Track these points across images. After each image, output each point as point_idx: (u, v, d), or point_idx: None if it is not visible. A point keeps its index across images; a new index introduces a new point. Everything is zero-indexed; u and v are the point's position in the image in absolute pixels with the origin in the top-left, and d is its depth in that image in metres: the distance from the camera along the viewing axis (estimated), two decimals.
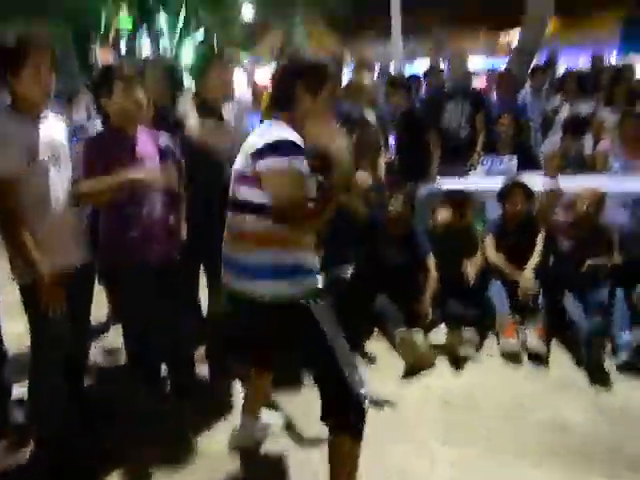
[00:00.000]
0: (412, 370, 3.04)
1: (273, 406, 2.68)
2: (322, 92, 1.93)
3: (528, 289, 3.41)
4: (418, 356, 3.09)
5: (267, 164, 1.82)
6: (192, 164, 2.67)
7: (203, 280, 3.02)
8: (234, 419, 2.64)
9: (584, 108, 5.06)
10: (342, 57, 4.87)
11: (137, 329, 2.65)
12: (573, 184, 3.95)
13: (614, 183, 3.88)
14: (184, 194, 2.68)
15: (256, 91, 5.20)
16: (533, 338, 3.16)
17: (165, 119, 2.87)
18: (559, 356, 3.16)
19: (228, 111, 2.88)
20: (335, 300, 2.96)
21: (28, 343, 2.24)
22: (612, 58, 9.71)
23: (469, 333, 3.21)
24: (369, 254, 3.54)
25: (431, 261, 3.56)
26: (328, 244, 3.01)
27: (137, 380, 2.74)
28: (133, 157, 2.41)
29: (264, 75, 10.56)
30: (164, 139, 2.64)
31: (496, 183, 4.11)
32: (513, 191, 3.64)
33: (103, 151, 2.37)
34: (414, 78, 6.17)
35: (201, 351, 3.02)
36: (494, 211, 3.93)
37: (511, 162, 4.47)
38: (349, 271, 3.42)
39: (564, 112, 5.15)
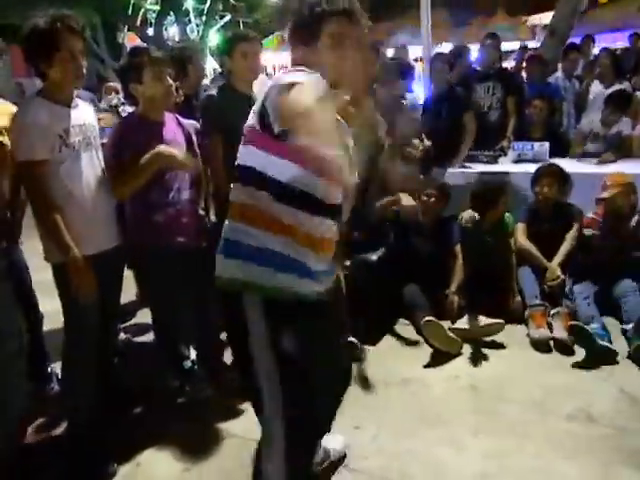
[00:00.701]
0: (439, 357, 3.02)
1: None
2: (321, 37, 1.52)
3: (552, 279, 3.34)
4: (445, 341, 3.07)
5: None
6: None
7: None
8: None
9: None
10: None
11: (165, 313, 2.69)
12: (608, 169, 3.85)
13: None
14: (210, 178, 2.68)
15: None
16: (560, 328, 3.10)
17: (191, 105, 2.86)
18: None
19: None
20: (361, 284, 2.95)
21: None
22: None
23: (498, 321, 3.16)
24: (399, 241, 3.51)
25: (458, 249, 3.52)
26: (358, 230, 2.99)
27: (165, 362, 2.78)
28: (161, 143, 2.40)
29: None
30: (190, 125, 2.64)
31: (526, 169, 4.04)
32: (546, 176, 3.54)
33: (131, 137, 2.38)
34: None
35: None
36: (525, 197, 3.85)
37: (542, 147, 4.35)
38: (375, 255, 3.40)
39: (595, 92, 4.99)
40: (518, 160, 4.38)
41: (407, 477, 2.17)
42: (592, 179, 3.64)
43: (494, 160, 4.47)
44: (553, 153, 4.35)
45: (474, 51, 5.86)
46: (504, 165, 4.39)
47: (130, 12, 11.78)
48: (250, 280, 1.49)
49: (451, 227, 3.63)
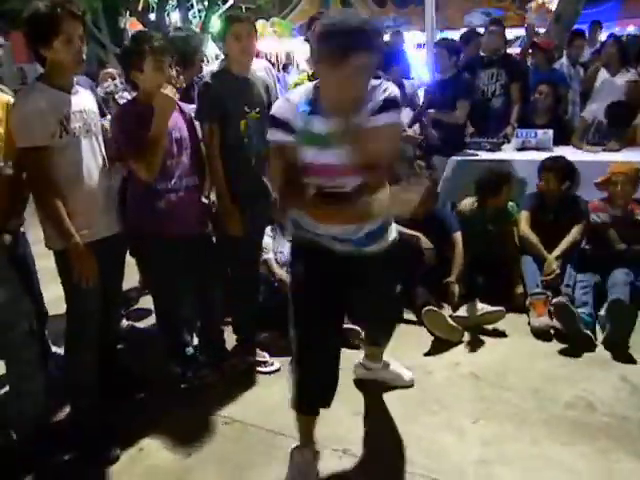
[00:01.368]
0: (440, 344, 3.03)
1: None
2: (341, 60, 1.64)
3: (548, 274, 3.33)
4: (446, 330, 3.07)
5: None
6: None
7: None
8: (261, 390, 2.69)
9: (626, 77, 4.82)
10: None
11: (167, 300, 2.69)
12: (613, 158, 3.83)
13: None
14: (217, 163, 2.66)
15: None
16: None
17: (190, 94, 2.84)
18: None
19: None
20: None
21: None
22: None
23: (498, 309, 3.16)
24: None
25: (458, 237, 3.50)
26: None
27: (167, 350, 2.80)
28: None
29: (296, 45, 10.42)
30: (192, 110, 2.63)
31: (530, 157, 4.02)
32: (552, 170, 3.51)
33: (131, 123, 2.36)
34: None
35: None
36: (528, 185, 3.84)
37: (546, 135, 4.31)
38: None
39: (600, 79, 4.94)
40: (522, 148, 4.34)
41: (407, 462, 2.18)
42: (596, 167, 3.63)
43: (497, 147, 4.43)
44: (557, 140, 4.32)
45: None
46: (508, 152, 4.35)
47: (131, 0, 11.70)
48: None
49: (446, 216, 3.61)
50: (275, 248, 3.35)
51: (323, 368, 2.03)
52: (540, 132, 4.33)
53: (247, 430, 2.42)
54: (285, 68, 10.17)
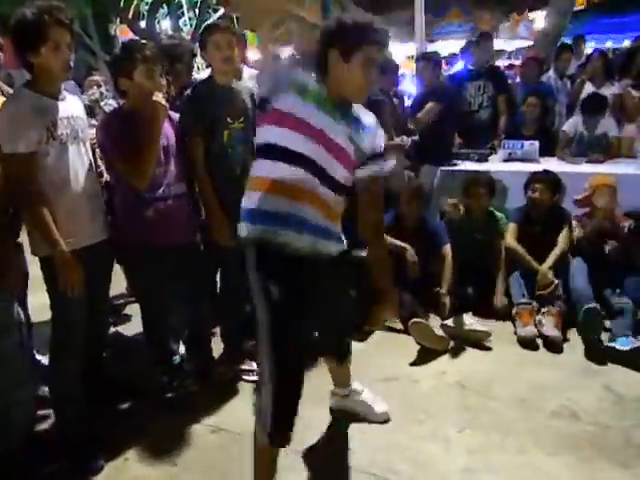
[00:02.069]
0: (426, 354, 3.04)
1: None
2: (356, 56, 1.75)
3: (545, 284, 3.34)
4: (432, 340, 3.09)
5: None
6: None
7: None
8: (248, 398, 2.68)
9: (611, 90, 4.91)
10: None
11: (153, 309, 2.68)
12: (596, 169, 3.89)
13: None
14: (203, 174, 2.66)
15: None
16: (550, 325, 3.13)
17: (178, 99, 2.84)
18: (575, 343, 3.12)
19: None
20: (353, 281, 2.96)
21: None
22: None
23: (484, 330, 3.16)
24: None
25: (447, 249, 3.53)
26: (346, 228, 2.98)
27: (154, 358, 2.78)
28: None
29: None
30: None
31: (516, 168, 4.07)
32: (540, 182, 3.54)
33: (119, 130, 2.36)
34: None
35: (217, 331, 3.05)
36: (516, 197, 3.88)
37: (532, 147, 4.37)
38: (364, 252, 3.40)
39: (586, 92, 5.02)
40: (508, 159, 4.40)
41: (393, 472, 2.18)
42: (580, 178, 3.67)
43: (484, 158, 4.49)
44: (544, 151, 4.38)
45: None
46: (494, 164, 4.41)
47: (122, 4, 11.63)
48: None
49: (436, 227, 3.65)
50: None
51: (299, 396, 1.86)
52: (526, 144, 4.39)
53: (234, 439, 2.41)
54: None
